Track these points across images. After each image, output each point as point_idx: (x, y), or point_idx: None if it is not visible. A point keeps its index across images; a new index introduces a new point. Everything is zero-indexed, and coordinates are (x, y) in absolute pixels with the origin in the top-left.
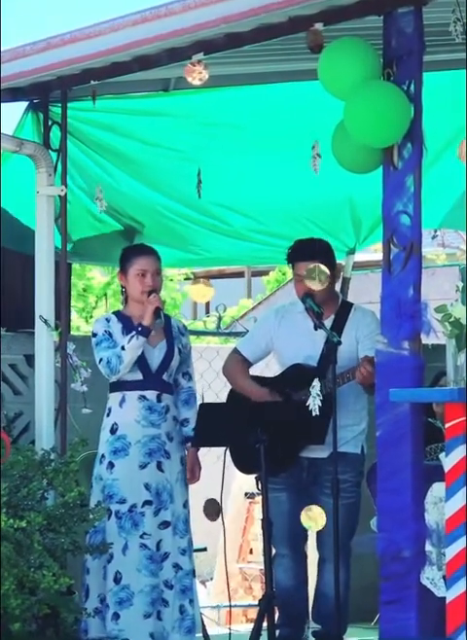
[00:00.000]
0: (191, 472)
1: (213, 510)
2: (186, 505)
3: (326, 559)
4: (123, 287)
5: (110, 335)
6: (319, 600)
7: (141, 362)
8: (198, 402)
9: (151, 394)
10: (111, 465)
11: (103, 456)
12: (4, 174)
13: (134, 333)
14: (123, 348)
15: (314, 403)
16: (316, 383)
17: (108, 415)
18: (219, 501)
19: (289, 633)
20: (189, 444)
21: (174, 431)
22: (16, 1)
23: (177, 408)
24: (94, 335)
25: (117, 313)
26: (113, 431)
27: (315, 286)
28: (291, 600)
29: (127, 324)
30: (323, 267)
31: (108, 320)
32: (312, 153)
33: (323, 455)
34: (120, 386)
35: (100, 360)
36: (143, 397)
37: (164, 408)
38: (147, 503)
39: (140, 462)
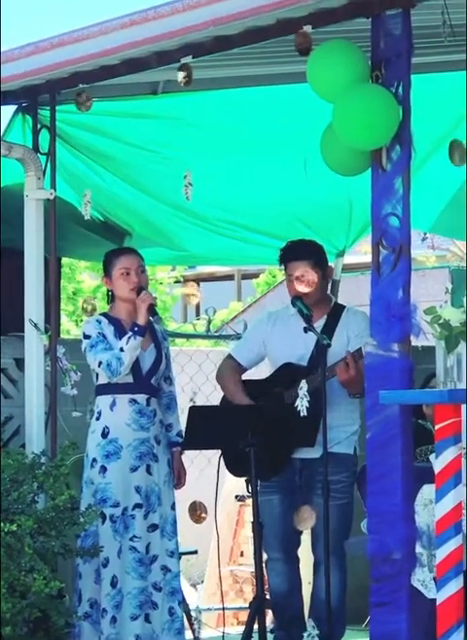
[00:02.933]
0: (177, 477)
1: (198, 512)
2: (173, 507)
3: (321, 562)
4: (109, 291)
5: (104, 336)
6: (315, 604)
7: (133, 365)
8: (189, 405)
9: (141, 397)
10: (103, 469)
11: (95, 460)
12: None
13: (131, 333)
14: (121, 350)
15: (302, 403)
16: (304, 384)
17: (97, 419)
18: (204, 504)
19: (284, 636)
20: (174, 449)
21: (161, 434)
22: (3, 4)
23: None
24: (87, 337)
25: (105, 315)
26: (104, 435)
27: (304, 289)
28: (285, 604)
29: (117, 325)
30: (314, 271)
31: (99, 322)
32: (303, 156)
33: (315, 456)
34: (109, 389)
35: (100, 363)
36: (134, 400)
37: (153, 412)
38: (137, 506)
39: (131, 465)
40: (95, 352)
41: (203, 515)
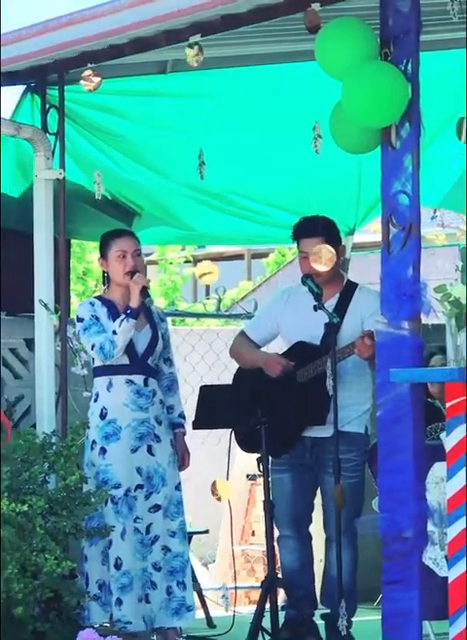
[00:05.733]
0: (181, 459)
1: (220, 490)
2: (178, 487)
3: (333, 540)
4: (104, 273)
5: (97, 319)
6: (326, 582)
7: (128, 346)
8: (199, 384)
9: (138, 378)
10: (103, 450)
11: (94, 442)
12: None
13: (124, 316)
14: (114, 332)
15: (329, 383)
16: (329, 364)
17: (95, 401)
18: (225, 482)
19: (295, 615)
20: (177, 431)
21: (162, 415)
22: None
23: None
24: (80, 320)
25: (98, 297)
26: (102, 416)
27: (321, 267)
28: (296, 582)
29: (111, 308)
30: (330, 248)
31: (92, 304)
32: (313, 134)
33: (326, 435)
34: (106, 371)
35: (93, 346)
36: (130, 381)
37: (152, 393)
38: (139, 487)
39: (131, 446)
40: (89, 335)
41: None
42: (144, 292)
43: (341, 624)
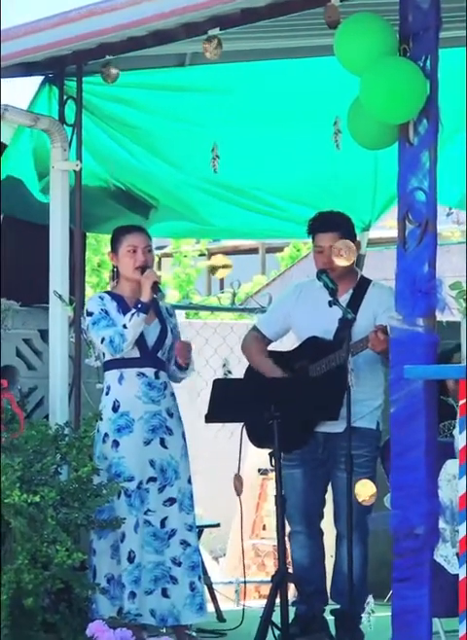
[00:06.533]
0: (182, 351)
1: (241, 485)
2: (190, 480)
3: (343, 536)
4: (114, 267)
5: (106, 313)
6: (337, 577)
7: (138, 339)
8: (212, 378)
9: (149, 371)
10: (116, 443)
11: (107, 435)
12: (20, 146)
13: (135, 310)
14: (125, 326)
15: (351, 378)
16: (351, 359)
17: (107, 394)
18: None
19: (306, 610)
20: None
21: (173, 407)
22: None
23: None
24: (90, 314)
25: (108, 292)
26: (115, 409)
27: (343, 262)
28: (307, 577)
29: (121, 302)
30: (350, 244)
31: (102, 298)
32: (334, 128)
33: (338, 430)
34: (116, 364)
35: (103, 339)
36: (142, 374)
37: (163, 385)
38: (151, 479)
39: (144, 438)
40: (98, 328)
41: (241, 488)
42: (155, 287)
43: (365, 621)
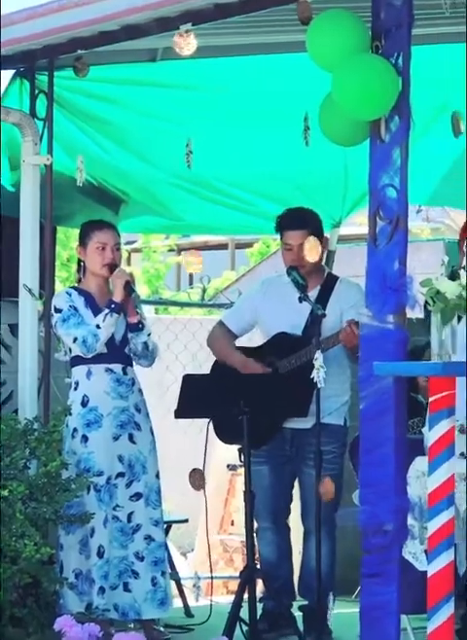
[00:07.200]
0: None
1: (199, 480)
2: (158, 475)
3: (311, 532)
4: (80, 261)
5: (75, 309)
6: (305, 573)
7: None
8: (182, 373)
9: (116, 367)
10: (85, 438)
11: (75, 430)
12: None
13: (108, 311)
14: (98, 327)
15: (319, 374)
16: (319, 355)
17: (75, 389)
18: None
19: (274, 606)
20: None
21: (141, 403)
22: None
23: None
24: (59, 310)
25: (75, 288)
26: (84, 404)
27: (311, 258)
28: (275, 573)
29: (88, 298)
30: (316, 241)
31: (69, 294)
32: (304, 125)
33: (306, 426)
34: (84, 360)
35: (75, 339)
36: (110, 370)
37: (131, 381)
38: (120, 475)
39: (113, 434)
40: (68, 327)
41: (202, 482)
42: (127, 286)
43: (330, 617)
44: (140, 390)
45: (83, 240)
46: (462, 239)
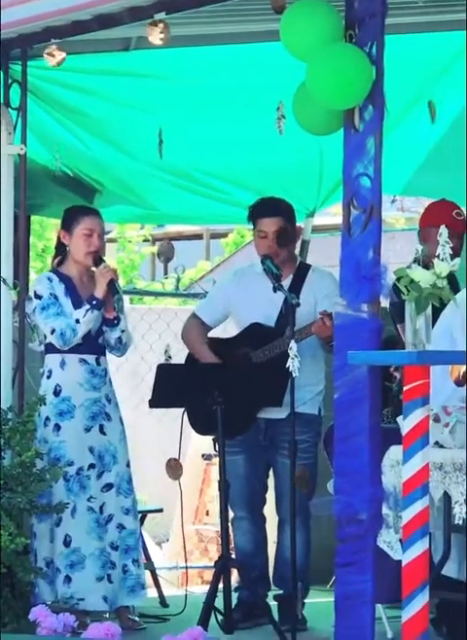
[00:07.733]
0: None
1: (177, 469)
2: (128, 464)
3: (286, 521)
4: (60, 245)
5: (56, 297)
6: (279, 563)
7: None
8: (156, 363)
9: (90, 358)
10: (57, 427)
11: (48, 419)
12: None
13: (89, 307)
14: (77, 322)
15: (294, 364)
16: (294, 345)
17: (49, 377)
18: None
19: (249, 596)
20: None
21: (111, 393)
22: None
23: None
24: (39, 297)
25: (55, 272)
26: (56, 393)
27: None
28: (250, 563)
29: (69, 284)
30: (289, 230)
31: (50, 280)
32: (277, 114)
33: (281, 416)
34: (58, 349)
35: (53, 330)
36: (84, 360)
37: (104, 371)
38: (91, 466)
39: (85, 425)
40: (47, 316)
41: (179, 471)
42: (111, 284)
43: (298, 608)
44: (111, 380)
45: (68, 225)
46: (423, 229)
